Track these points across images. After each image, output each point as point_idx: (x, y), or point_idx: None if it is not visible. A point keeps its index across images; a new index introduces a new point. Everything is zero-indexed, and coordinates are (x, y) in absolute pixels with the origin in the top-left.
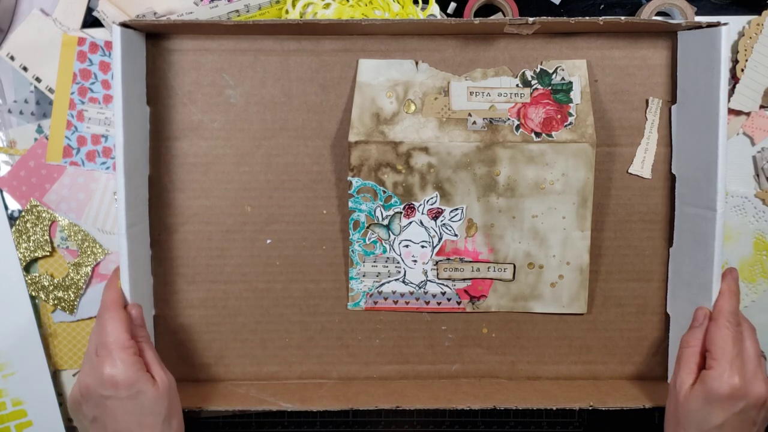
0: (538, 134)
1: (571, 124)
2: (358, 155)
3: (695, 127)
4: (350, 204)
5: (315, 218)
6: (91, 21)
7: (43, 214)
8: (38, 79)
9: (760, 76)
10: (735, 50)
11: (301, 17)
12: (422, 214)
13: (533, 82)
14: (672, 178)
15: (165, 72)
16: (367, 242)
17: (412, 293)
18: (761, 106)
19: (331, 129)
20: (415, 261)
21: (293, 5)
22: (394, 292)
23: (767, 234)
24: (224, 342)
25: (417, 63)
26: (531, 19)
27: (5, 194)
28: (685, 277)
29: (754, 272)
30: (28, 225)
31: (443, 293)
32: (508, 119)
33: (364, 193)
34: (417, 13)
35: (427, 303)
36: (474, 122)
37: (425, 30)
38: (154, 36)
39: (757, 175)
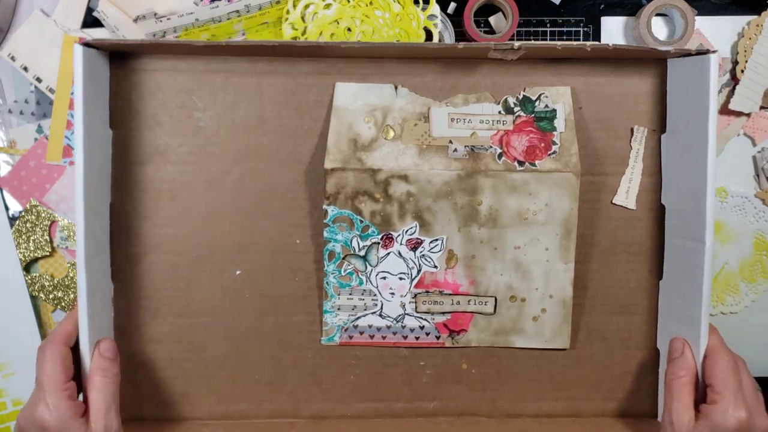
0: (521, 163)
1: (554, 152)
2: (335, 183)
3: (684, 157)
4: (325, 233)
5: (288, 248)
6: (91, 21)
7: (43, 214)
8: (39, 80)
9: (760, 77)
10: (735, 51)
11: (302, 18)
12: (401, 244)
13: (516, 109)
14: (658, 209)
15: (130, 94)
16: (343, 273)
17: (389, 327)
18: (761, 107)
19: (305, 155)
20: (393, 293)
21: (294, 5)
22: (370, 326)
23: (767, 234)
24: (190, 379)
25: (396, 87)
26: (516, 44)
27: (6, 194)
28: (674, 311)
29: (754, 272)
30: (28, 225)
31: (422, 327)
32: (491, 147)
33: (340, 223)
34: (417, 13)
35: (405, 338)
36: (455, 150)
37: (405, 53)
38: (119, 56)
39: (757, 175)
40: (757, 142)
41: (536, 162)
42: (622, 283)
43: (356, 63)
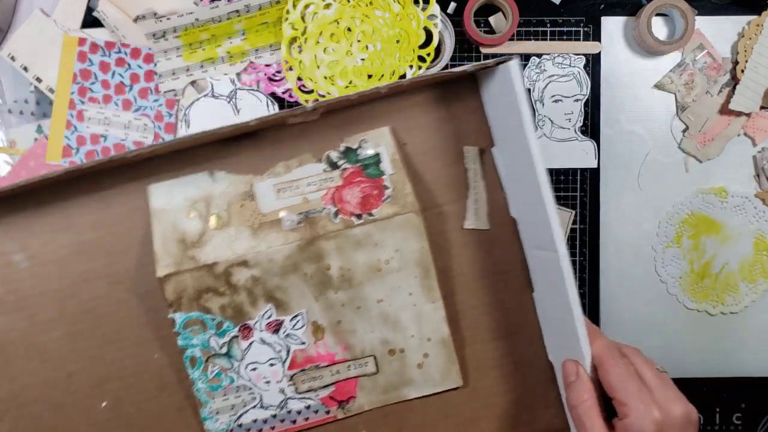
0: (358, 216)
1: (389, 197)
2: (173, 288)
3: (516, 168)
4: (180, 341)
5: (147, 366)
6: (91, 21)
7: None
8: (39, 80)
9: (760, 77)
10: (735, 51)
11: (302, 18)
12: (261, 331)
13: (341, 163)
14: (512, 223)
15: None
16: (211, 377)
17: (275, 416)
18: (761, 107)
19: (136, 267)
20: (268, 382)
21: (294, 5)
22: (255, 421)
23: (767, 234)
24: None
25: (212, 173)
26: (311, 106)
27: None
28: (552, 322)
29: (754, 272)
30: None
31: (308, 407)
32: (324, 208)
33: (192, 326)
34: (417, 13)
35: (294, 422)
36: (289, 221)
37: (210, 138)
38: None
39: (758, 175)
40: (757, 142)
41: (373, 211)
42: (497, 306)
43: (165, 160)
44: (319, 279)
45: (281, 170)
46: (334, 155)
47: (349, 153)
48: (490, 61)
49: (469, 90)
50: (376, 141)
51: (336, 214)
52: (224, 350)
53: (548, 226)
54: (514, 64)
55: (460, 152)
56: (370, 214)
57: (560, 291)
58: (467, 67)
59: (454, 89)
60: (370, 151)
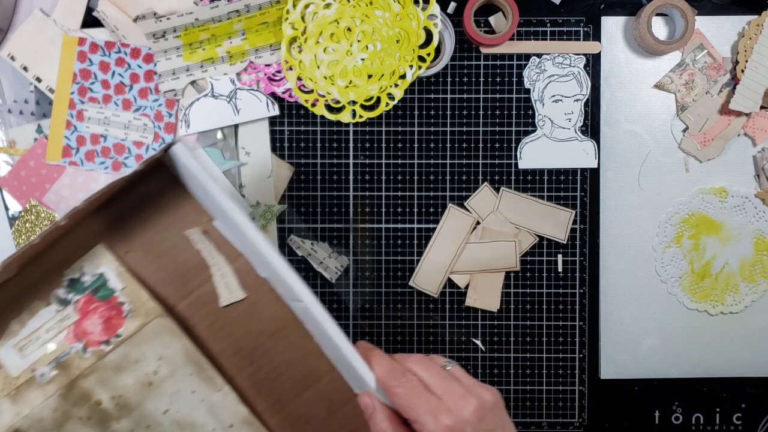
0: (107, 342)
1: (130, 311)
2: None
3: (238, 235)
4: None
5: None
6: (90, 21)
7: (43, 214)
8: (39, 79)
9: (760, 76)
10: (735, 51)
11: (302, 17)
12: None
13: (70, 297)
14: (267, 282)
15: None
16: None
17: None
18: (761, 107)
19: None
20: None
21: (294, 5)
22: None
23: (767, 234)
24: None
25: None
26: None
27: (5, 194)
28: (338, 360)
29: (754, 272)
30: (28, 225)
31: None
32: (71, 347)
33: None
34: (417, 13)
35: None
36: (42, 374)
37: None
38: None
39: (758, 175)
40: (758, 142)
41: (119, 331)
42: (289, 362)
43: None
44: (96, 417)
45: (16, 328)
46: (60, 292)
47: (74, 284)
48: (157, 152)
49: (165, 178)
50: (96, 262)
51: (84, 348)
52: None
53: (284, 280)
54: (179, 147)
55: (184, 237)
56: (118, 336)
57: (323, 331)
58: (137, 166)
59: (152, 183)
60: (93, 275)
